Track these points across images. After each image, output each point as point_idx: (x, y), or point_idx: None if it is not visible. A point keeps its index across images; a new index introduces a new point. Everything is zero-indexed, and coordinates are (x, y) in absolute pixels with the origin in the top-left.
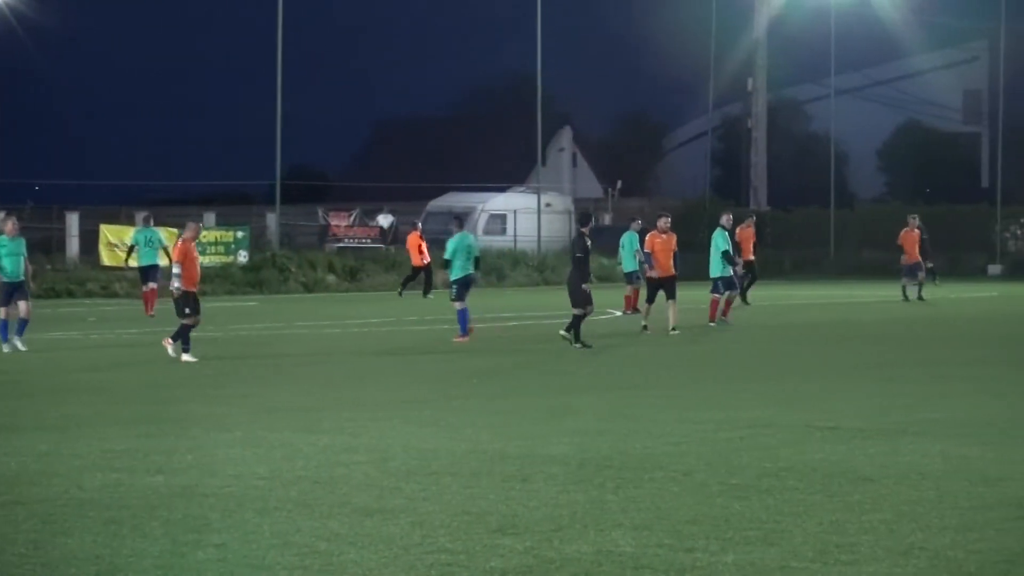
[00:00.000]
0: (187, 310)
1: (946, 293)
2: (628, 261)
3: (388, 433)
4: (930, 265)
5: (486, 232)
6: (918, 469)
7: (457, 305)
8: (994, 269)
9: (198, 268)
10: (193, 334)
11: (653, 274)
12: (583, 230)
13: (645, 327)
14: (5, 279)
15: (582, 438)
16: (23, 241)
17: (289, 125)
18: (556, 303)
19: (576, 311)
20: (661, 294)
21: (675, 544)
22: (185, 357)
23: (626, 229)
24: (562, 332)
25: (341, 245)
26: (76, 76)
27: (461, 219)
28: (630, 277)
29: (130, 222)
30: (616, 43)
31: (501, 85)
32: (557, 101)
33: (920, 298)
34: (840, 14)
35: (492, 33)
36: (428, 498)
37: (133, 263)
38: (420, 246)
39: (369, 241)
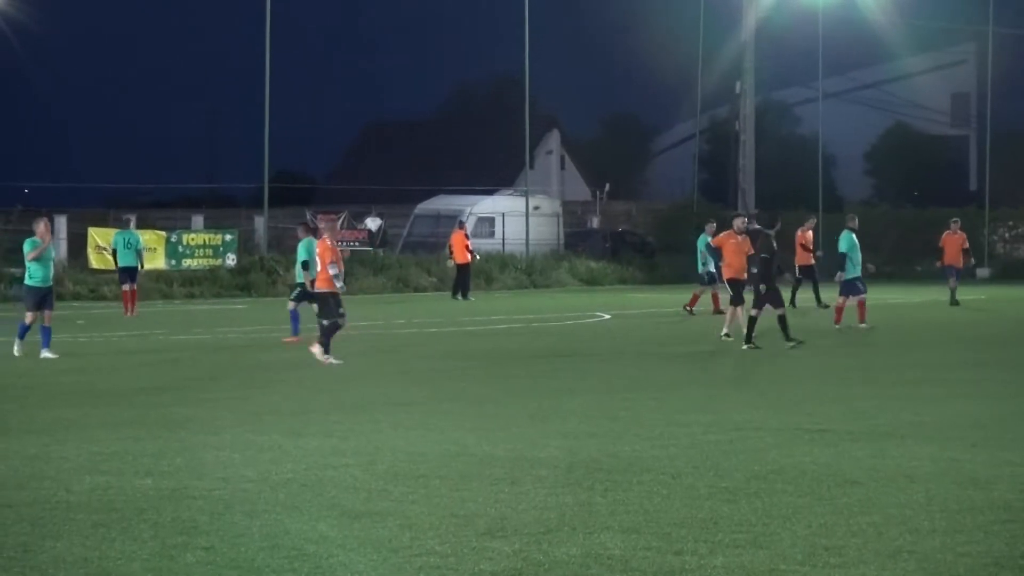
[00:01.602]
0: (341, 310)
1: (936, 296)
2: (703, 263)
3: (376, 436)
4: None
5: (474, 235)
6: (906, 472)
7: (292, 305)
8: (983, 272)
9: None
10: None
11: (731, 274)
12: (769, 232)
13: (727, 335)
14: (36, 284)
15: (571, 441)
16: (53, 248)
17: (277, 128)
18: (545, 306)
19: (753, 312)
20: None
21: (663, 547)
22: (329, 359)
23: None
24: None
25: None
26: (65, 80)
27: (308, 224)
28: (704, 279)
29: (119, 225)
30: (604, 46)
31: (489, 88)
32: (545, 104)
33: (955, 302)
34: (827, 17)
35: (480, 36)
36: (416, 501)
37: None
38: (467, 244)
39: (357, 244)
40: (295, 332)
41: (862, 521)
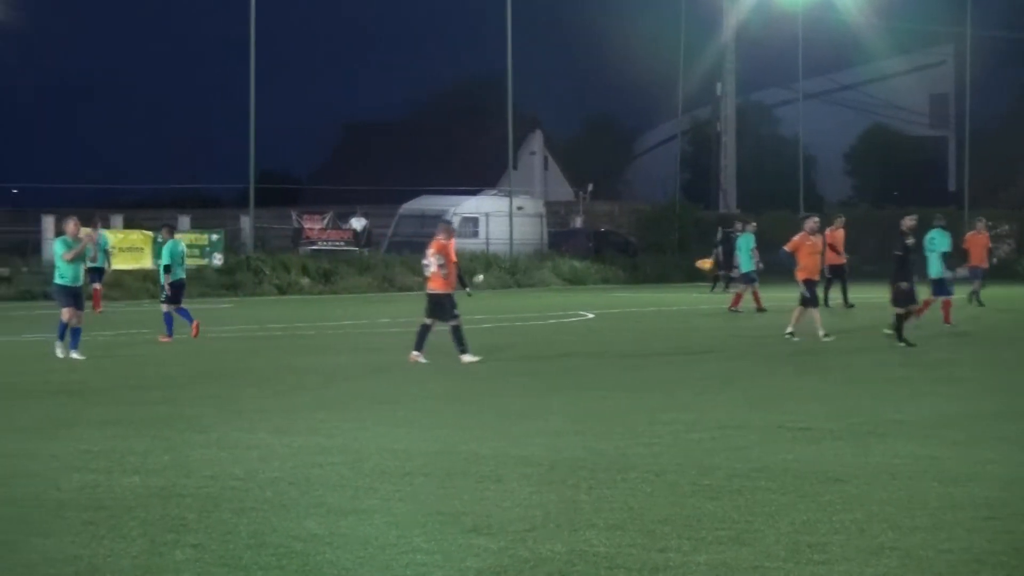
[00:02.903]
0: (456, 311)
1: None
2: (745, 262)
3: (362, 434)
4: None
5: (458, 235)
6: (888, 470)
7: (166, 307)
8: (962, 272)
9: (454, 268)
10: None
11: (806, 275)
12: (903, 230)
13: (791, 333)
14: (65, 283)
15: (555, 439)
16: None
17: (261, 129)
18: (529, 305)
19: (898, 310)
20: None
21: (648, 544)
22: (466, 358)
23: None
24: (886, 331)
25: (315, 248)
26: (51, 80)
27: (172, 227)
28: (747, 277)
29: (104, 225)
30: (586, 47)
31: (472, 89)
32: (528, 104)
33: (979, 303)
34: (807, 19)
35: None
36: (403, 498)
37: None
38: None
39: (343, 244)
40: (169, 333)
41: (845, 518)
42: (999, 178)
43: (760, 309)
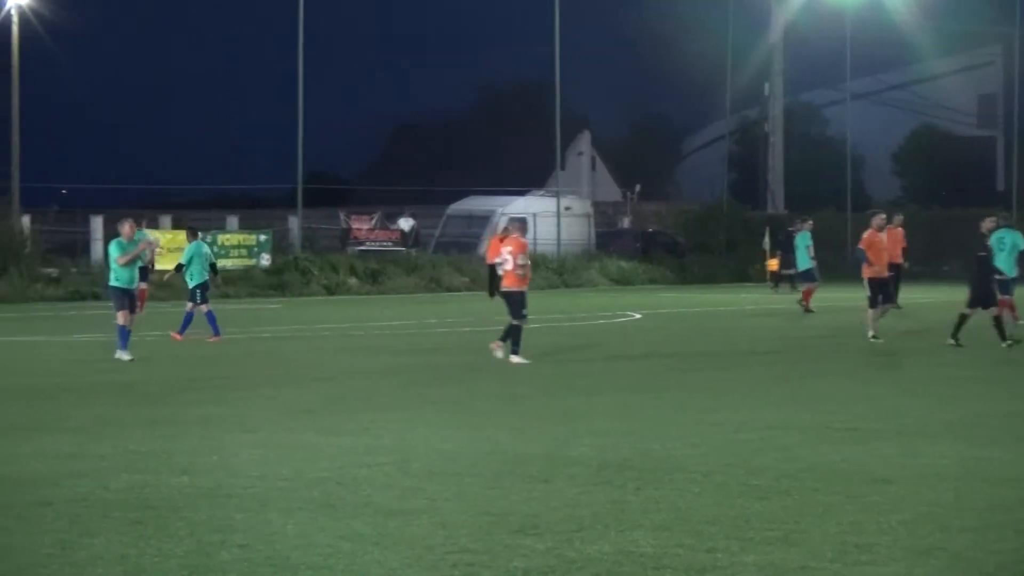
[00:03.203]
0: (524, 311)
1: (962, 296)
2: (803, 260)
3: (410, 434)
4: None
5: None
6: (935, 470)
7: (205, 308)
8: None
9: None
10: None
11: (872, 273)
12: (983, 231)
13: (875, 336)
14: (121, 286)
15: (602, 439)
16: (137, 246)
17: (310, 130)
18: (577, 306)
19: (992, 310)
20: None
21: (695, 544)
22: (515, 359)
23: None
24: (1006, 334)
25: (362, 248)
26: (102, 82)
27: (195, 229)
28: (805, 276)
29: (153, 226)
30: (634, 48)
31: (520, 90)
32: (575, 105)
33: None
34: (855, 19)
35: (511, 38)
36: (450, 499)
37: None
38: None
39: (390, 244)
40: (216, 332)
41: (892, 519)
42: None
43: (807, 310)
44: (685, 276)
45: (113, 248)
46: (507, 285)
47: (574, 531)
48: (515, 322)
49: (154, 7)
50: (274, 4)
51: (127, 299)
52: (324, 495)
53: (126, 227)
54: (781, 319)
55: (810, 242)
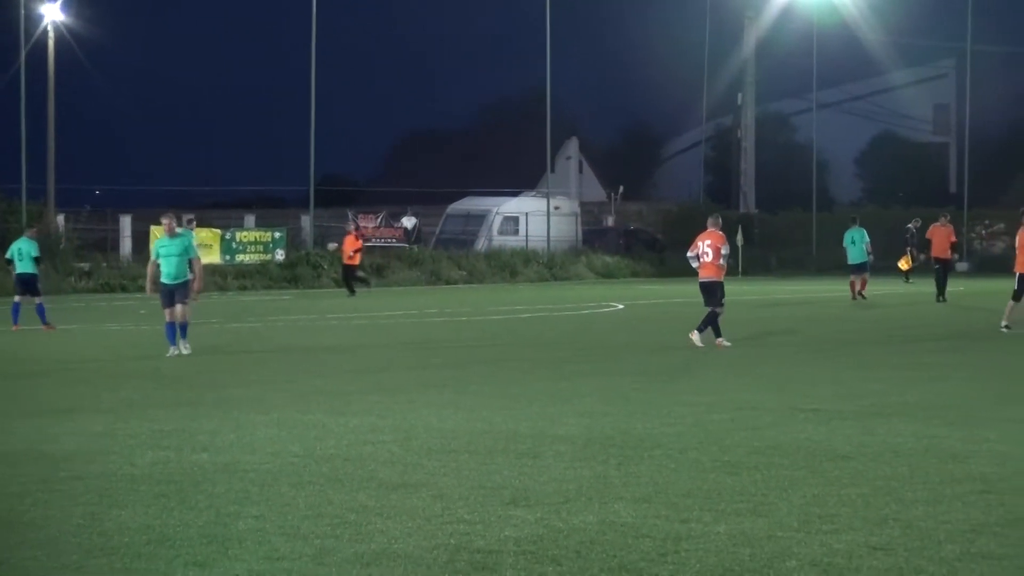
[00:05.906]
0: (723, 300)
1: (920, 288)
2: (854, 253)
3: (411, 415)
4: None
5: (500, 233)
6: (892, 448)
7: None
8: (962, 266)
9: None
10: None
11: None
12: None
13: (1007, 326)
14: (165, 282)
15: (587, 419)
16: (181, 241)
17: (328, 136)
18: (565, 297)
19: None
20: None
21: (672, 515)
22: (721, 342)
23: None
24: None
25: (369, 244)
26: (133, 94)
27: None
28: (856, 268)
29: (177, 224)
30: (619, 61)
31: (515, 99)
32: (565, 114)
33: None
34: (822, 35)
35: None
36: (447, 473)
37: None
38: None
39: (394, 241)
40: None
41: (852, 492)
42: (995, 180)
43: (855, 297)
44: (664, 270)
45: (156, 246)
46: (707, 275)
47: (561, 503)
48: (715, 309)
49: (181, 24)
50: (296, 25)
51: (167, 296)
52: (332, 470)
53: (165, 223)
54: (750, 308)
55: (868, 239)
